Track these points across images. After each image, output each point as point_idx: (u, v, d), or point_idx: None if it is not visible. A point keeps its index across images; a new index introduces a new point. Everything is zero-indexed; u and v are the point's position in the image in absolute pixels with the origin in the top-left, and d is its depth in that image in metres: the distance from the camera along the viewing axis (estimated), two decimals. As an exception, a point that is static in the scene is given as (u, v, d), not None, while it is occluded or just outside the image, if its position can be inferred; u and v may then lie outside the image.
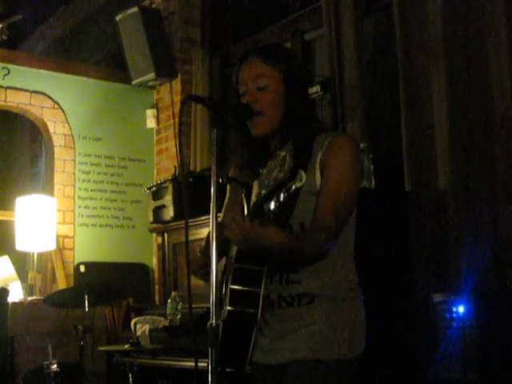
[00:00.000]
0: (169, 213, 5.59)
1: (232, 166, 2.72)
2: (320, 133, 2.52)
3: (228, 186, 2.68)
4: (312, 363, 2.41)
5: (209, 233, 2.32)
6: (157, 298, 6.30)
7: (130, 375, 4.42)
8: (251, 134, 2.53)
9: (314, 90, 5.16)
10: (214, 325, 2.15)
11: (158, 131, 7.02)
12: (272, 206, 2.10)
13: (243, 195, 2.35)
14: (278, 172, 2.07)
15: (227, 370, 2.37)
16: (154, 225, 5.90)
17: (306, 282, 2.44)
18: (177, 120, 6.71)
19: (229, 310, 2.32)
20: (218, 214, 2.25)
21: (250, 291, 2.33)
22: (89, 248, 6.56)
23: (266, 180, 2.31)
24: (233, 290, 2.34)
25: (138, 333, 4.72)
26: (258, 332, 2.40)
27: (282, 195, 2.07)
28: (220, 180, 2.28)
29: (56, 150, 6.60)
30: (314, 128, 2.52)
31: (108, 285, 5.55)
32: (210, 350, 2.16)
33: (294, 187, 2.25)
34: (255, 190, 2.52)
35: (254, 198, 2.48)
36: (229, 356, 2.35)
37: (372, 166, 4.29)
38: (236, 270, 2.36)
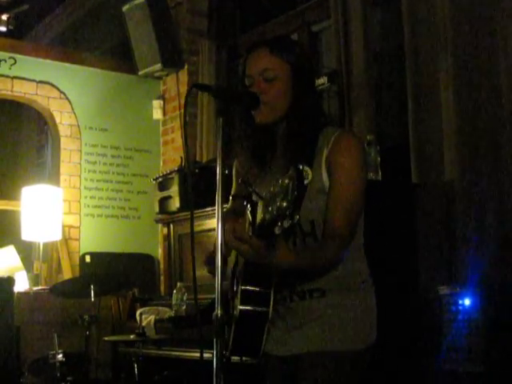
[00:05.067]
0: (175, 204, 5.58)
1: (235, 162, 2.72)
2: (326, 126, 2.51)
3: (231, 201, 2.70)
4: (324, 354, 2.42)
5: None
6: (162, 288, 6.31)
7: (136, 365, 4.43)
8: (256, 123, 2.52)
9: (321, 81, 5.15)
10: (219, 315, 2.15)
11: (165, 122, 7.02)
12: (277, 231, 2.11)
13: (249, 212, 2.36)
14: (282, 200, 2.08)
15: (243, 358, 2.39)
16: (160, 215, 5.89)
17: (318, 278, 2.45)
18: (183, 110, 6.70)
19: (240, 310, 2.33)
20: (224, 205, 2.24)
21: (261, 291, 2.35)
22: (94, 238, 6.57)
23: (269, 206, 2.32)
24: (244, 291, 2.35)
25: (144, 323, 4.73)
26: (270, 324, 2.41)
27: (285, 222, 2.07)
28: (226, 171, 2.27)
29: (62, 140, 6.60)
30: (319, 121, 2.52)
31: (113, 275, 5.55)
32: (215, 340, 2.16)
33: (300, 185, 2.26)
34: (259, 212, 2.52)
35: (258, 220, 2.48)
36: (243, 347, 2.36)
37: (379, 158, 4.28)
38: (247, 271, 2.37)
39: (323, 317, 2.45)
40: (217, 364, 2.16)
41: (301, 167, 2.24)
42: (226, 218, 2.32)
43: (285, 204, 2.02)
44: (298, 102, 2.48)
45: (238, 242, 2.19)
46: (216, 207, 2.21)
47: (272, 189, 2.20)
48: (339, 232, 2.37)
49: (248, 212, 2.35)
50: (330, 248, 2.37)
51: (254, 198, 2.43)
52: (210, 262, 2.55)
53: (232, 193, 2.71)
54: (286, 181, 2.09)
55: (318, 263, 2.37)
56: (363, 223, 2.56)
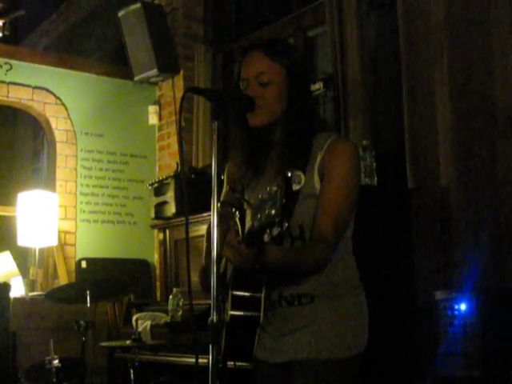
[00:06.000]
0: (170, 209, 5.58)
1: (228, 165, 2.72)
2: (321, 132, 2.51)
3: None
4: (314, 362, 2.41)
5: (207, 247, 2.33)
6: (158, 294, 6.30)
7: (132, 371, 4.42)
8: (250, 127, 2.51)
9: (317, 86, 5.16)
10: (214, 321, 2.15)
11: (160, 128, 7.02)
12: (266, 238, 2.10)
13: (237, 219, 2.35)
14: (270, 208, 2.07)
15: (236, 363, 2.39)
16: (156, 221, 5.90)
17: (306, 282, 2.44)
18: (178, 114, 6.71)
19: (231, 315, 2.33)
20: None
21: (250, 296, 2.35)
22: (90, 244, 6.56)
23: (257, 213, 2.31)
24: (234, 296, 2.35)
25: (140, 329, 4.72)
26: (261, 330, 2.41)
27: (274, 230, 2.07)
28: (222, 176, 2.27)
29: (58, 145, 6.60)
30: (314, 125, 2.51)
31: (109, 281, 5.53)
32: (210, 346, 2.16)
33: (292, 190, 2.26)
34: (248, 218, 2.51)
35: (247, 228, 2.47)
36: (236, 352, 2.36)
37: (374, 163, 4.28)
38: (236, 275, 2.37)
39: (312, 324, 2.43)
40: (212, 370, 2.15)
41: (289, 174, 2.23)
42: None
43: (273, 212, 2.02)
44: (292, 105, 2.47)
45: (227, 248, 2.19)
46: (212, 212, 2.21)
47: (260, 196, 2.19)
48: (326, 237, 2.36)
49: (237, 219, 2.35)
50: (315, 250, 2.36)
51: (243, 204, 2.43)
52: (203, 280, 2.54)
53: (221, 199, 2.70)
54: (274, 188, 2.08)
55: (304, 262, 2.36)
56: (352, 229, 2.54)
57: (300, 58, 2.56)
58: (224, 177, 2.71)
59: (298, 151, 2.44)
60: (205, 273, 2.49)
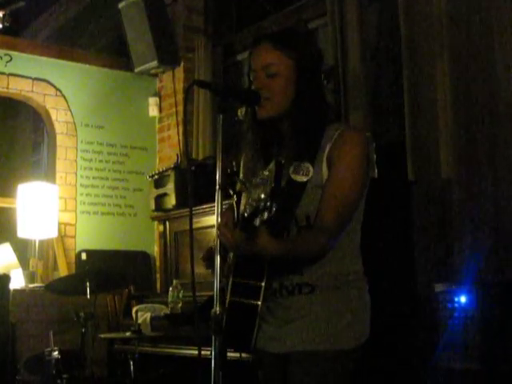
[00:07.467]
0: (171, 201, 5.59)
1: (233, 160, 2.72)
2: (332, 122, 2.50)
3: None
4: (312, 354, 2.40)
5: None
6: (158, 286, 6.31)
7: (131, 363, 4.43)
8: (258, 119, 2.50)
9: (318, 78, 5.14)
10: (217, 312, 2.15)
11: (161, 119, 7.02)
12: (257, 223, 2.11)
13: (234, 203, 2.36)
14: (260, 192, 2.07)
15: (233, 352, 2.39)
16: (156, 213, 5.90)
17: (308, 272, 2.43)
18: (179, 108, 6.71)
19: (230, 301, 2.33)
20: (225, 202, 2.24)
21: (251, 284, 2.34)
22: (90, 236, 6.57)
23: (249, 198, 2.31)
24: (235, 283, 2.35)
25: (140, 320, 4.73)
26: (261, 320, 2.40)
27: (265, 214, 2.07)
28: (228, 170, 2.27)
29: (58, 137, 6.60)
30: (324, 117, 2.50)
31: (109, 272, 5.54)
32: (213, 337, 2.16)
33: (299, 181, 2.27)
34: (243, 202, 2.51)
35: (241, 210, 2.47)
36: (234, 341, 2.36)
37: (375, 156, 4.27)
38: (238, 262, 2.36)
39: (311, 315, 2.43)
40: (215, 361, 2.15)
41: (282, 161, 2.23)
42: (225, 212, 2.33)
43: (263, 195, 2.02)
44: (300, 98, 2.46)
45: (223, 234, 2.19)
46: (216, 204, 2.21)
47: (253, 181, 2.19)
48: (327, 225, 2.35)
49: (234, 202, 2.35)
50: (315, 239, 2.36)
51: (241, 188, 2.44)
52: (208, 257, 2.55)
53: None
54: (266, 173, 2.08)
55: (302, 251, 2.35)
56: (361, 222, 2.54)
57: (310, 50, 2.54)
58: (239, 168, 2.70)
59: (306, 144, 2.44)
60: (211, 253, 2.49)
